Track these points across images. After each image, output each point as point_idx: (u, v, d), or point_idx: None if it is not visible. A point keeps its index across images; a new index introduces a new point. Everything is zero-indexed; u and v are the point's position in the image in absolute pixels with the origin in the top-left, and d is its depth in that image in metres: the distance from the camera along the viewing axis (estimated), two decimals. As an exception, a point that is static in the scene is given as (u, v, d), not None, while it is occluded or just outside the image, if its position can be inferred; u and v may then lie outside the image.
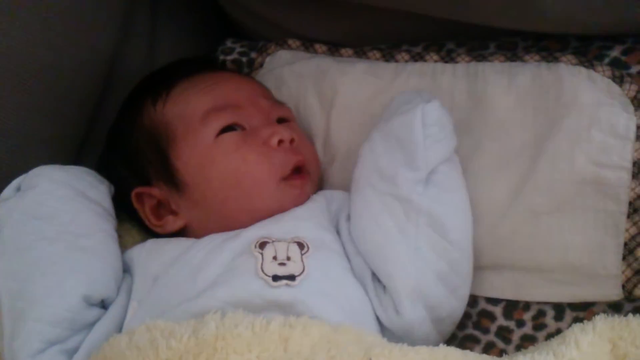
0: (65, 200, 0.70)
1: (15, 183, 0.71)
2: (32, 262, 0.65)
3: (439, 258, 0.68)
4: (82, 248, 0.68)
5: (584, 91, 0.71)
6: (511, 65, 0.77)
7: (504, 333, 0.72)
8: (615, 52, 0.74)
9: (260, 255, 0.64)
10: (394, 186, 0.69)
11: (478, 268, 0.73)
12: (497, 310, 0.73)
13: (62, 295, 0.64)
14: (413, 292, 0.66)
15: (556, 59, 0.75)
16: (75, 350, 0.63)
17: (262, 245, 0.66)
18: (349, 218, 0.73)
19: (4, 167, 0.75)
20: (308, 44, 0.91)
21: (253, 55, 0.95)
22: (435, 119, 0.70)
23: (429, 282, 0.67)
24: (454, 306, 0.69)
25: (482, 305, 0.74)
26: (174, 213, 0.76)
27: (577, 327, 0.58)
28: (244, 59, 0.95)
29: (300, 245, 0.66)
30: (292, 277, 0.63)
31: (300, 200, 0.75)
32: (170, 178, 0.75)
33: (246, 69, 0.95)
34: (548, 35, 0.78)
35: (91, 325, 0.65)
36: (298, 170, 0.75)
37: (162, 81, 0.79)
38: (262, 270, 0.63)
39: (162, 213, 0.77)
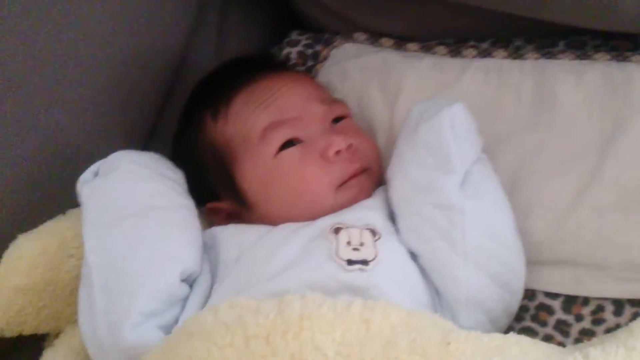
0: (147, 179, 0.72)
1: (94, 167, 0.73)
2: (123, 237, 0.67)
3: (490, 259, 0.68)
4: (173, 222, 0.70)
5: (658, 90, 0.72)
6: (580, 64, 0.78)
7: (562, 326, 0.73)
8: (688, 54, 0.75)
9: (334, 240, 0.66)
10: (431, 194, 0.69)
11: (538, 263, 0.74)
12: (556, 304, 0.74)
13: (161, 270, 0.66)
14: (468, 302, 0.67)
15: (627, 58, 0.76)
16: (168, 325, 0.64)
17: (337, 230, 0.67)
18: None
19: (81, 154, 0.78)
20: (374, 37, 0.93)
21: (318, 47, 0.97)
22: (462, 119, 0.71)
23: (482, 287, 0.68)
24: (508, 301, 0.70)
25: (541, 299, 0.75)
26: (244, 220, 0.78)
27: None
28: (309, 51, 0.97)
29: (373, 232, 0.68)
30: (365, 262, 0.64)
31: (360, 197, 0.76)
32: (238, 196, 0.77)
33: (311, 62, 0.97)
34: (618, 34, 0.78)
35: (182, 300, 0.67)
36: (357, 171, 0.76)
37: (220, 93, 0.80)
38: (337, 255, 0.65)
39: (235, 221, 0.79)
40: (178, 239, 0.70)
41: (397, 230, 0.72)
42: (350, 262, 0.64)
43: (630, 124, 0.72)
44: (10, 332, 0.72)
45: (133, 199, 0.70)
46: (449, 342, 0.54)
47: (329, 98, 0.83)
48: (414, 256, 0.71)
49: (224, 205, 0.79)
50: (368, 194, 0.76)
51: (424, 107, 0.75)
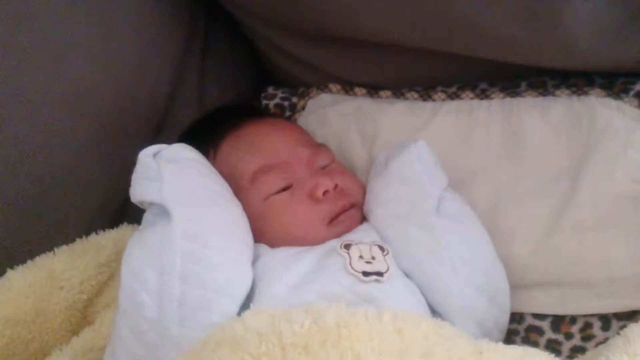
0: (211, 175, 0.74)
1: (155, 148, 0.71)
2: (208, 227, 0.66)
3: (475, 271, 0.72)
4: (240, 218, 0.72)
5: (616, 118, 0.78)
6: (544, 99, 0.84)
7: (553, 345, 0.75)
8: (638, 86, 0.81)
9: (347, 255, 0.68)
10: (412, 218, 0.74)
11: (524, 286, 0.78)
12: (545, 325, 0.77)
13: (239, 268, 0.66)
14: (462, 311, 0.70)
15: (586, 93, 0.82)
16: None
17: (347, 246, 0.69)
18: None
19: (67, 196, 0.78)
20: (348, 87, 0.98)
21: (294, 99, 1.02)
22: (427, 153, 0.78)
23: (472, 298, 0.70)
24: (497, 315, 0.73)
25: (529, 321, 0.78)
26: None
27: (636, 326, 0.62)
28: (286, 103, 1.02)
29: (381, 248, 0.70)
30: (380, 274, 0.67)
31: (351, 228, 0.78)
32: None
33: (288, 112, 1.01)
34: (574, 73, 0.86)
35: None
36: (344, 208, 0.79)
37: (209, 137, 0.83)
38: (352, 267, 0.66)
39: None
40: (247, 234, 0.71)
41: None
42: (365, 273, 0.66)
43: (597, 148, 0.77)
44: None
45: (212, 186, 0.72)
46: (481, 352, 0.55)
47: (313, 142, 0.86)
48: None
49: None
50: (356, 225, 0.79)
51: (388, 151, 0.81)
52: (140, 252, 0.65)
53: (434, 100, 0.92)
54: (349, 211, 0.78)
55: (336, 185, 0.78)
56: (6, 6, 0.69)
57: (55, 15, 0.75)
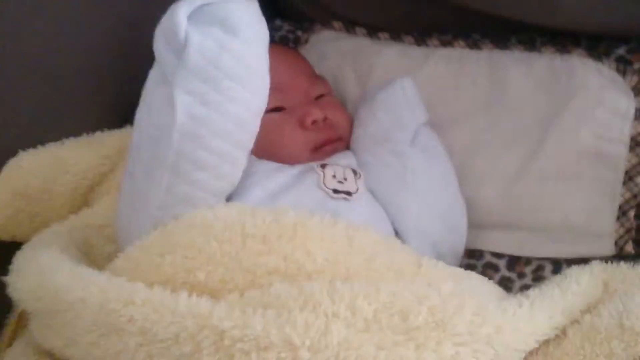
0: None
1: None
2: (212, 126, 0.66)
3: (436, 200, 0.80)
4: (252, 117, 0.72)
5: (592, 77, 0.83)
6: (529, 55, 0.89)
7: (506, 282, 0.82)
8: (621, 51, 0.86)
9: (322, 173, 0.75)
10: (389, 144, 0.81)
11: (487, 226, 0.84)
12: (501, 263, 0.84)
13: (232, 174, 0.70)
14: (417, 231, 0.77)
15: (569, 52, 0.86)
16: None
17: (323, 166, 0.77)
18: None
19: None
20: (350, 26, 1.02)
21: (299, 33, 1.06)
22: (412, 90, 0.84)
23: (430, 221, 0.78)
24: (453, 241, 0.81)
25: (487, 258, 0.85)
26: None
27: (576, 268, 0.69)
28: (291, 36, 1.06)
29: (354, 172, 0.77)
30: (349, 193, 0.74)
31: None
32: None
33: (292, 45, 1.05)
34: (563, 33, 0.89)
35: None
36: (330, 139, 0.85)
37: None
38: (324, 184, 0.74)
39: None
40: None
41: None
42: (335, 191, 0.73)
43: (569, 106, 0.83)
44: (6, 234, 0.79)
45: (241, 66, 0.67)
46: (420, 265, 0.63)
47: (313, 74, 0.92)
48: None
49: None
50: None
51: (378, 87, 0.87)
52: (145, 116, 0.69)
53: (427, 46, 0.96)
54: (334, 143, 0.85)
55: (325, 117, 0.84)
56: None
57: None
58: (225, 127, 0.66)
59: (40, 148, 0.80)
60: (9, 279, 0.67)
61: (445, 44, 0.95)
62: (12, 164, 0.78)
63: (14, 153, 0.79)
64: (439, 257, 0.75)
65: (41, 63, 0.79)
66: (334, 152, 0.84)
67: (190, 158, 0.65)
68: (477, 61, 0.92)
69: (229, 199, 0.71)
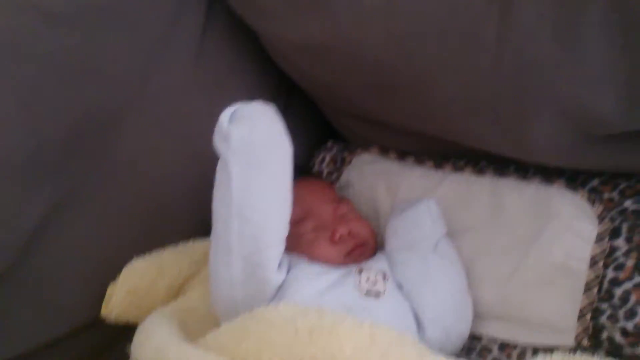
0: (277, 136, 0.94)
1: (231, 110, 0.88)
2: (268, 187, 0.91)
3: (450, 295, 1.04)
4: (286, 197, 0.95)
5: (565, 207, 1.06)
6: (521, 184, 1.13)
7: (497, 363, 1.06)
8: (594, 182, 1.09)
9: (359, 277, 1.00)
10: (416, 250, 1.07)
11: (485, 317, 1.06)
12: (494, 347, 1.05)
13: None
14: (433, 321, 0.99)
15: (552, 183, 1.11)
16: None
17: (360, 271, 1.02)
18: None
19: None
20: (384, 151, 1.31)
21: (345, 154, 1.35)
22: (435, 209, 1.11)
23: (444, 312, 1.01)
24: (461, 327, 1.03)
25: (484, 342, 1.06)
26: None
27: (542, 355, 0.90)
28: (339, 156, 1.36)
29: (384, 275, 1.02)
30: (378, 294, 0.98)
31: (363, 259, 1.11)
32: None
33: (339, 164, 1.35)
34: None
35: None
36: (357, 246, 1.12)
37: None
38: (359, 286, 0.97)
39: None
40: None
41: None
42: (368, 292, 0.98)
43: (547, 227, 1.06)
44: (120, 320, 1.04)
45: (276, 150, 0.92)
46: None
47: (336, 197, 1.21)
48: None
49: None
50: (369, 258, 1.12)
51: (405, 203, 1.14)
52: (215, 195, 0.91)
53: (443, 170, 1.23)
54: (360, 247, 1.11)
55: (350, 231, 1.11)
56: None
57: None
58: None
59: (147, 256, 1.09)
60: (132, 350, 0.95)
61: (457, 169, 1.21)
62: (128, 269, 1.06)
63: (130, 258, 1.08)
64: (449, 339, 0.99)
65: (150, 183, 1.09)
66: (362, 254, 1.10)
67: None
68: (480, 185, 1.17)
69: (286, 291, 0.98)
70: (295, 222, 1.08)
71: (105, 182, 1.02)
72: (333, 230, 1.10)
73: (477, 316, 1.07)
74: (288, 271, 1.01)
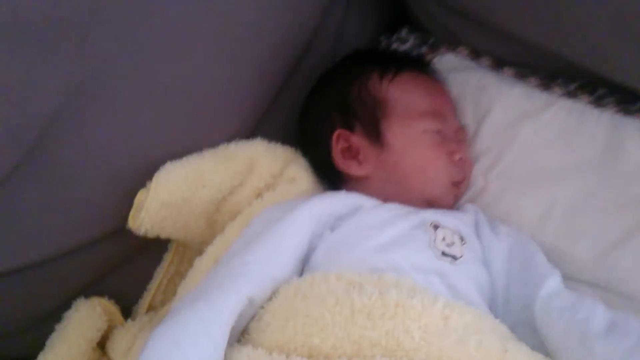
0: None
1: None
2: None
3: None
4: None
5: None
6: (651, 127, 0.91)
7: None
8: None
9: (434, 234, 0.83)
10: None
11: (576, 280, 0.89)
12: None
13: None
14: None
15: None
16: None
17: (435, 227, 0.84)
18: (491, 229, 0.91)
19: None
20: (475, 54, 1.04)
21: (424, 50, 1.09)
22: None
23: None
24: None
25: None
26: (359, 162, 0.94)
27: None
28: (415, 52, 1.10)
29: (461, 238, 0.85)
30: (454, 257, 0.82)
31: (453, 202, 0.96)
32: (375, 135, 0.94)
33: (414, 62, 1.09)
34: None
35: None
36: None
37: (393, 62, 0.98)
38: (435, 245, 0.82)
39: (351, 156, 0.95)
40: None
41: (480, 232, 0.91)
42: (444, 253, 0.82)
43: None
44: (152, 233, 0.88)
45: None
46: (506, 350, 0.68)
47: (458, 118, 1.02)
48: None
49: (353, 138, 0.95)
50: (455, 203, 0.97)
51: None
52: None
53: (551, 92, 0.98)
54: (465, 181, 0.96)
55: (467, 159, 0.96)
56: None
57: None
58: None
59: (184, 161, 0.88)
60: None
61: (569, 94, 0.97)
62: (161, 176, 0.86)
63: (163, 159, 0.88)
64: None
65: (195, 76, 0.87)
66: (458, 197, 0.95)
67: None
68: (598, 119, 0.94)
69: (344, 242, 0.81)
70: (423, 113, 0.94)
71: (136, 63, 0.80)
72: (455, 147, 0.95)
73: (567, 277, 0.88)
74: (346, 220, 0.85)
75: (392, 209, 0.88)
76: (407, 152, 0.93)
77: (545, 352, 0.75)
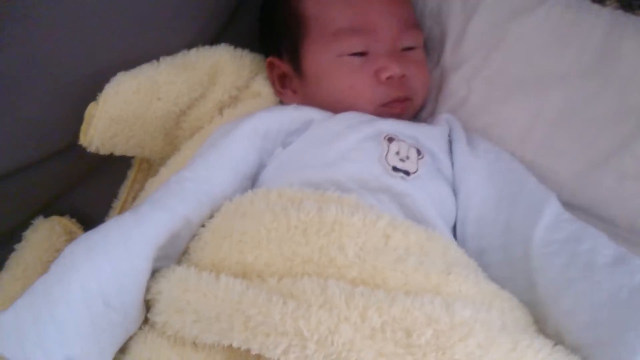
0: None
1: None
2: None
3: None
4: None
5: None
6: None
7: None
8: None
9: (387, 147, 0.76)
10: None
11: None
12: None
13: None
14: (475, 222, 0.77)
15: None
16: None
17: (390, 139, 0.77)
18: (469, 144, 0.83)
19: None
20: None
21: None
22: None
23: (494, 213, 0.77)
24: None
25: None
26: (294, 91, 0.88)
27: None
28: None
29: (418, 152, 0.77)
30: (407, 173, 0.75)
31: (400, 116, 0.85)
32: (297, 63, 0.86)
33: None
34: None
35: None
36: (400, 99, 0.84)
37: None
38: (386, 159, 0.75)
39: (286, 84, 0.88)
40: None
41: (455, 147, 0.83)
42: (395, 169, 0.75)
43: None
44: (104, 151, 0.84)
45: None
46: (449, 273, 0.64)
47: (409, 20, 0.86)
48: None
49: (283, 65, 0.88)
50: (407, 118, 0.86)
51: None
52: None
53: (549, -18, 0.85)
54: (403, 102, 0.84)
55: (403, 75, 0.82)
56: None
57: None
58: None
59: (136, 71, 0.82)
60: None
61: (569, -16, 0.84)
62: (110, 89, 0.81)
63: (115, 68, 0.82)
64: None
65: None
66: (401, 113, 0.84)
67: None
68: (596, 17, 0.82)
69: (293, 159, 0.77)
70: (338, 33, 0.82)
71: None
72: (383, 65, 0.82)
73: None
74: (297, 135, 0.80)
75: (345, 119, 0.81)
76: (320, 82, 0.84)
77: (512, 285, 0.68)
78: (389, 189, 0.74)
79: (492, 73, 0.87)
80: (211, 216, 0.72)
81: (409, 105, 0.85)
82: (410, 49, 0.85)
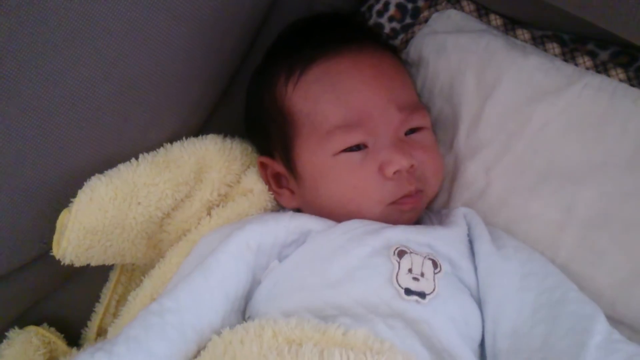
0: None
1: None
2: None
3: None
4: None
5: None
6: None
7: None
8: None
9: (397, 264, 0.67)
10: None
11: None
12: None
13: None
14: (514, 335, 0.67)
15: None
16: None
17: (400, 253, 0.68)
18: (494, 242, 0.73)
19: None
20: (483, 11, 0.82)
21: (420, 3, 0.87)
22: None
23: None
24: None
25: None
26: (292, 191, 0.79)
27: None
28: (410, 6, 0.88)
29: (434, 264, 0.68)
30: (422, 295, 0.65)
31: (410, 218, 0.76)
32: (290, 165, 0.77)
33: (409, 19, 0.88)
34: None
35: None
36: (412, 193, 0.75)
37: (300, 54, 0.76)
38: (397, 280, 0.66)
39: (283, 183, 0.80)
40: None
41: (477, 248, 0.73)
42: (408, 291, 0.65)
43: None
44: (79, 263, 0.76)
45: None
46: None
47: (410, 102, 0.78)
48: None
49: (276, 164, 0.80)
50: (416, 217, 0.77)
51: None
52: None
53: (576, 63, 0.75)
54: (415, 196, 0.75)
55: (412, 166, 0.73)
56: None
57: None
58: None
59: (112, 173, 0.74)
60: None
61: (599, 67, 0.74)
62: (83, 196, 0.73)
63: (90, 168, 0.75)
64: None
65: (117, 67, 0.71)
66: (413, 207, 0.75)
67: None
68: (634, 104, 0.71)
69: (289, 277, 0.68)
70: (332, 131, 0.73)
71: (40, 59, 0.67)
72: (388, 158, 0.72)
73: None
74: (294, 248, 0.72)
75: (347, 230, 0.72)
76: (318, 185, 0.75)
77: None
78: (402, 314, 0.64)
79: (514, 162, 0.77)
80: (197, 353, 0.63)
81: (421, 198, 0.76)
82: (416, 130, 0.76)
